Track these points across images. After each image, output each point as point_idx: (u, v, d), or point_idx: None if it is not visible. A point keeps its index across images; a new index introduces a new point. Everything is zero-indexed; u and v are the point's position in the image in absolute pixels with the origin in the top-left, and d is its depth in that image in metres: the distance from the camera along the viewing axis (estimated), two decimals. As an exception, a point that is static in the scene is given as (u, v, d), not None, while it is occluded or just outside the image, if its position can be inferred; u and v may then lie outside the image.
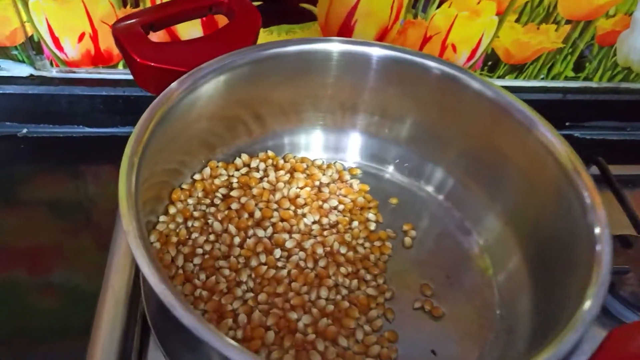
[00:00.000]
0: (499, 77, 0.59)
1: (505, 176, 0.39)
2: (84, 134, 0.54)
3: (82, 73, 0.53)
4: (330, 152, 0.47)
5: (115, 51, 0.51)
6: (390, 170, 0.47)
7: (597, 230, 0.30)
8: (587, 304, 0.26)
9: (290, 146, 0.46)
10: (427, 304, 0.39)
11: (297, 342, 0.35)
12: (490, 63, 0.57)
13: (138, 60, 0.35)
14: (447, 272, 0.41)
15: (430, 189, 0.45)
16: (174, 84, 0.33)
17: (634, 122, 0.64)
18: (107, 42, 0.51)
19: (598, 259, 0.28)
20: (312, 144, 0.46)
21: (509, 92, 0.38)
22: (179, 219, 0.39)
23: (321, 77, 0.41)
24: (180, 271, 0.37)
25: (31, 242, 0.45)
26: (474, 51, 0.56)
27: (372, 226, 0.43)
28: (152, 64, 0.35)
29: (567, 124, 0.63)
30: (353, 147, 0.47)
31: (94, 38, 0.50)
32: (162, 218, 0.38)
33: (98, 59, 0.52)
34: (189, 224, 0.39)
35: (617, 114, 0.63)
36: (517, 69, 0.58)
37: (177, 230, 0.38)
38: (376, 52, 0.40)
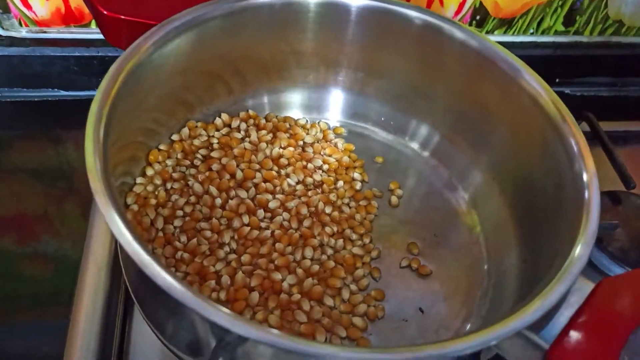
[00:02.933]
0: (487, 32, 0.58)
1: (492, 129, 0.38)
2: (60, 97, 0.53)
3: (54, 33, 0.51)
4: (314, 111, 0.46)
5: (87, 9, 0.48)
6: (375, 129, 0.45)
7: (584, 178, 0.29)
8: (576, 252, 0.26)
9: (272, 105, 0.44)
10: (414, 262, 0.38)
11: (282, 303, 0.34)
12: (478, 17, 0.55)
13: (105, 12, 0.33)
14: (435, 230, 0.40)
15: (415, 145, 0.44)
16: (142, 37, 0.31)
17: (625, 77, 0.63)
18: None
19: (587, 207, 0.28)
20: (294, 102, 0.45)
21: (494, 42, 0.37)
22: (157, 181, 0.37)
23: (299, 31, 0.39)
24: (160, 234, 0.35)
25: (14, 210, 0.44)
26: (461, 4, 0.54)
27: (358, 185, 0.42)
28: (121, 16, 0.33)
29: (557, 80, 0.62)
30: (337, 105, 0.46)
31: None
32: (139, 180, 0.37)
33: (69, 17, 0.50)
34: (168, 185, 0.38)
35: (608, 70, 0.62)
36: (506, 24, 0.57)
37: (156, 193, 0.37)
38: (355, 2, 0.38)
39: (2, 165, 0.47)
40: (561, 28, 0.59)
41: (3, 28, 0.50)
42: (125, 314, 0.37)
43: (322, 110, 0.46)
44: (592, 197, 0.28)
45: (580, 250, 0.26)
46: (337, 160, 0.43)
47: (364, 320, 0.35)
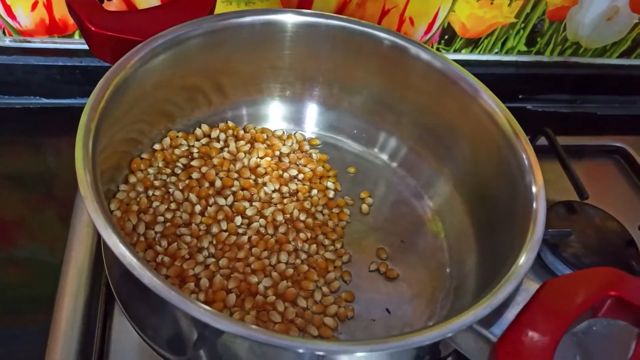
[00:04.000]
0: (455, 51, 0.61)
1: (454, 143, 0.41)
2: (42, 105, 0.53)
3: (37, 43, 0.52)
4: (290, 123, 0.48)
5: (71, 20, 0.50)
6: (348, 140, 0.48)
7: (533, 190, 0.32)
8: (522, 257, 0.29)
9: (250, 117, 0.47)
10: (383, 266, 0.41)
11: (257, 304, 0.36)
12: (446, 37, 0.59)
13: (93, 29, 0.35)
14: (402, 236, 0.43)
15: (385, 157, 0.47)
16: (129, 53, 0.33)
17: (583, 94, 0.66)
18: (62, 10, 0.50)
19: (534, 216, 0.31)
20: (271, 115, 0.47)
21: (456, 63, 0.40)
22: (140, 188, 0.39)
23: (278, 48, 0.42)
24: (142, 238, 0.37)
25: None
26: (430, 25, 0.57)
27: (331, 194, 0.45)
28: (108, 33, 0.35)
29: (520, 96, 0.65)
30: (312, 118, 0.48)
31: (48, 6, 0.49)
32: (122, 187, 0.38)
33: (53, 28, 0.51)
34: (150, 193, 0.40)
35: (567, 87, 0.66)
36: (473, 43, 0.60)
37: (138, 199, 0.39)
38: (328, 23, 0.41)
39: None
40: (524, 48, 0.62)
41: (-13, 37, 0.51)
42: (106, 315, 0.39)
43: (298, 122, 0.48)
44: (539, 207, 0.31)
45: (526, 255, 0.29)
46: (311, 170, 0.45)
47: (335, 320, 0.37)
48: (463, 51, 0.61)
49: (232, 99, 0.45)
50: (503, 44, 0.61)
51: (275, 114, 0.47)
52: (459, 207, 0.41)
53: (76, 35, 0.52)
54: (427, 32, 0.58)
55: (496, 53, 0.62)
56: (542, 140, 0.54)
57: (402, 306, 0.39)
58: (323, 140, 0.48)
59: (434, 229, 0.43)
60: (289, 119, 0.48)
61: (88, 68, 0.52)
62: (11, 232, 0.43)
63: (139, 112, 0.37)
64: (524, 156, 0.34)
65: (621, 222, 0.49)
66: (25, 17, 0.50)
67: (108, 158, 0.35)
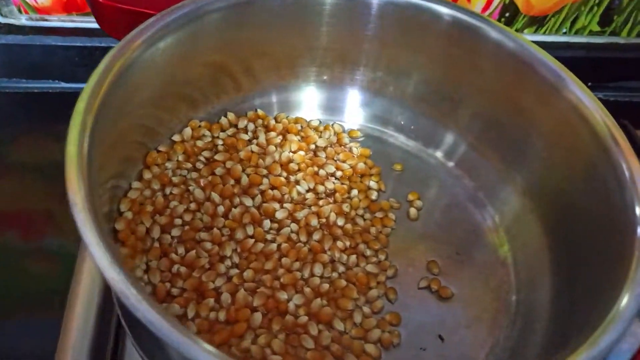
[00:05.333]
0: (517, 31, 0.54)
1: (527, 142, 0.34)
2: (62, 89, 0.50)
3: (55, 21, 0.48)
4: (328, 112, 0.42)
5: None
6: (394, 133, 0.42)
7: (637, 212, 0.25)
8: (625, 300, 0.22)
9: (282, 105, 0.41)
10: (434, 283, 0.35)
11: (287, 325, 0.31)
12: (507, 14, 0.52)
13: (101, 0, 0.30)
14: (457, 247, 0.36)
15: (439, 154, 0.40)
16: (135, 31, 0.28)
17: None
18: None
19: (638, 248, 0.24)
20: (306, 102, 0.41)
21: (534, 44, 0.33)
22: (155, 186, 0.34)
23: (314, 25, 0.36)
24: (157, 244, 0.32)
25: (15, 206, 0.42)
26: (489, 1, 0.50)
27: (374, 195, 0.38)
28: (117, 4, 0.30)
29: (589, 84, 0.57)
30: (353, 107, 0.42)
31: None
32: (135, 184, 0.33)
33: (71, 5, 0.47)
34: (167, 191, 0.35)
35: (646, 74, 0.58)
36: (537, 22, 0.53)
37: (154, 199, 0.34)
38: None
39: (2, 160, 0.44)
40: (597, 28, 0.55)
41: (2, 15, 0.47)
42: (117, 339, 0.34)
43: (336, 111, 0.42)
44: None
45: (630, 294, 0.22)
46: (351, 167, 0.39)
47: (378, 347, 0.32)
48: (526, 31, 0.54)
49: (262, 83, 0.39)
50: (573, 23, 0.54)
51: (310, 102, 0.41)
52: (531, 220, 0.35)
53: None
54: (485, 9, 0.51)
55: (564, 34, 0.54)
56: None
57: (458, 332, 0.33)
58: (365, 133, 0.42)
59: (495, 241, 0.37)
60: (326, 108, 0.42)
61: (109, 49, 0.48)
62: (34, 224, 0.41)
63: (152, 95, 0.32)
64: (624, 166, 0.27)
65: None
66: (41, -7, 0.46)
67: (115, 148, 0.30)
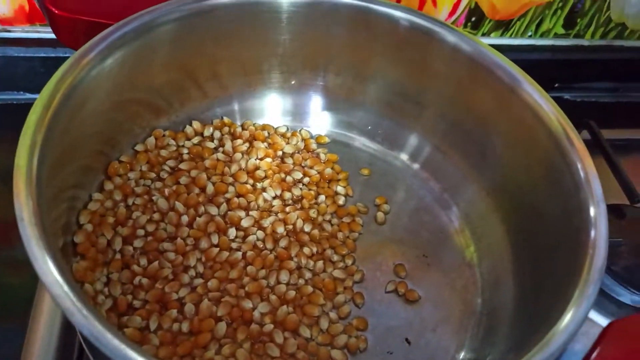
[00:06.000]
0: (483, 35, 0.55)
1: (487, 143, 0.35)
2: (26, 100, 0.49)
3: (18, 32, 0.47)
4: (295, 119, 0.42)
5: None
6: (361, 138, 0.42)
7: (591, 212, 0.26)
8: (578, 300, 0.22)
9: (248, 112, 0.41)
10: (401, 286, 0.35)
11: (252, 334, 0.31)
12: (473, 19, 0.52)
13: (55, 11, 0.29)
14: (424, 250, 0.36)
15: (405, 157, 0.40)
16: (91, 41, 0.28)
17: (628, 82, 0.60)
18: None
19: (592, 245, 0.24)
20: (272, 108, 0.41)
21: (489, 47, 0.33)
22: (117, 197, 0.34)
23: (274, 32, 0.36)
24: (118, 256, 0.32)
25: None
26: (455, 5, 0.50)
27: (341, 200, 0.38)
28: (73, 15, 0.30)
29: (556, 85, 0.59)
30: (319, 113, 0.42)
31: None
32: (95, 195, 0.33)
33: (34, 16, 0.46)
34: (130, 201, 0.34)
35: (609, 74, 0.59)
36: (503, 26, 0.54)
37: (115, 210, 0.33)
38: (332, 1, 0.35)
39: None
40: (561, 31, 0.56)
41: (-37, 26, 0.46)
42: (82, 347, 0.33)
43: (303, 117, 0.42)
44: (599, 237, 0.25)
45: (583, 295, 0.22)
46: (319, 173, 0.39)
47: (344, 353, 0.32)
48: (492, 35, 0.55)
49: (228, 90, 0.39)
50: (538, 26, 0.54)
51: (276, 108, 0.41)
52: (494, 218, 0.35)
53: None
54: (451, 14, 0.51)
55: (530, 37, 0.55)
56: (584, 134, 0.48)
57: (425, 335, 0.33)
58: (332, 138, 0.42)
59: (462, 242, 0.37)
60: (293, 114, 0.42)
61: None
62: (2, 233, 0.40)
63: (110, 106, 0.31)
64: (579, 165, 0.27)
65: (680, 228, 0.42)
66: (3, 4, 0.45)
67: (70, 159, 0.29)
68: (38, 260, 0.20)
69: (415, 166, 0.40)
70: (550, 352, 0.20)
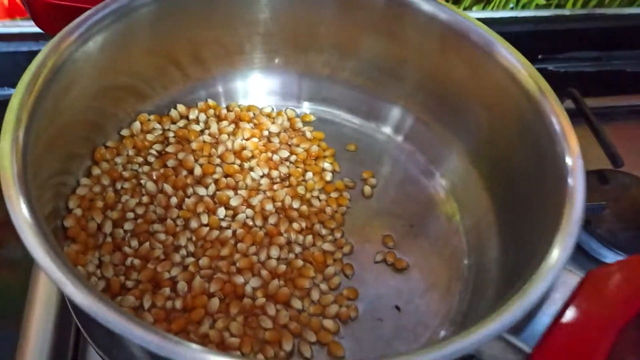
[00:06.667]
0: (465, 9, 0.55)
1: (466, 109, 0.35)
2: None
3: (-1, 27, 0.47)
4: (279, 98, 0.42)
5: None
6: (345, 115, 0.42)
7: (568, 161, 0.26)
8: (556, 246, 0.23)
9: (232, 93, 0.41)
10: (390, 256, 0.35)
11: (244, 308, 0.31)
12: (454, -7, 0.53)
13: (33, -4, 0.30)
14: (411, 220, 0.37)
15: (388, 130, 0.41)
16: (70, 25, 0.28)
17: (610, 50, 0.60)
18: None
19: (570, 195, 0.25)
20: (257, 89, 0.42)
21: (465, 14, 0.33)
22: (105, 181, 0.34)
23: (253, 11, 0.36)
24: (109, 239, 0.32)
25: None
26: (435, -20, 0.51)
27: (328, 176, 0.39)
28: (51, 0, 0.30)
29: (539, 56, 0.59)
30: (303, 91, 0.42)
31: None
32: (83, 180, 0.33)
33: (14, 10, 0.46)
34: (118, 186, 0.34)
35: (592, 43, 0.59)
36: (484, 0, 0.54)
37: (104, 194, 0.34)
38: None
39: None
40: (542, 2, 0.56)
41: (-56, 24, 0.46)
42: (77, 345, 0.34)
43: (288, 97, 0.42)
44: (577, 183, 0.25)
45: (561, 244, 0.23)
46: (305, 150, 0.40)
47: (336, 322, 0.32)
48: (474, 9, 0.55)
49: (211, 72, 0.39)
50: None
51: (261, 89, 0.42)
52: (477, 184, 0.36)
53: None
54: (432, -11, 0.51)
55: (511, 9, 0.56)
56: (568, 104, 0.49)
57: (414, 301, 0.33)
58: (318, 116, 0.42)
59: (447, 210, 0.38)
60: (277, 94, 0.42)
61: None
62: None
63: (93, 91, 0.32)
64: (554, 120, 0.28)
65: (662, 191, 0.43)
66: (-19, -1, 0.45)
67: (55, 146, 0.29)
68: (31, 242, 0.21)
69: (399, 139, 0.41)
70: (529, 302, 0.21)
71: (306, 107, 0.43)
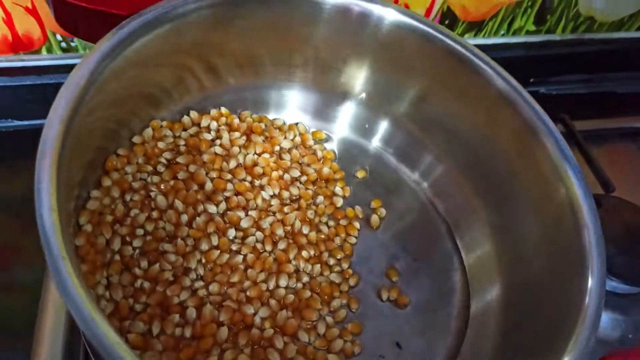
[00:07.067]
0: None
1: (506, 188, 0.36)
2: (16, 127, 0.47)
3: (3, 62, 0.44)
4: (291, 114, 0.41)
5: (36, 35, 0.42)
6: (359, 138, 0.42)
7: (589, 284, 0.28)
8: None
9: (246, 104, 0.40)
10: (393, 291, 0.36)
11: (253, 339, 0.31)
12: (447, 22, 0.52)
13: (60, -3, 0.27)
14: (414, 255, 0.38)
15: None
16: (108, 36, 0.26)
17: (599, 73, 0.61)
18: (25, 25, 0.42)
19: (583, 315, 0.26)
20: (267, 102, 0.40)
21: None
22: (115, 193, 0.32)
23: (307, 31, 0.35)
24: (117, 257, 0.31)
25: None
26: (428, 9, 0.50)
27: (339, 202, 0.39)
28: (78, 2, 0.27)
29: (531, 80, 0.60)
30: (313, 108, 0.41)
31: (9, 22, 0.41)
32: (94, 193, 0.32)
33: (18, 45, 0.43)
34: (127, 197, 0.33)
35: (582, 67, 0.60)
36: (476, 26, 0.53)
37: (113, 207, 0.32)
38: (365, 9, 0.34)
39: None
40: (532, 27, 0.56)
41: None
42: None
43: (301, 112, 0.41)
44: (590, 307, 0.27)
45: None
46: (316, 171, 0.39)
47: (340, 357, 0.33)
48: (466, 36, 0.54)
49: (226, 81, 0.38)
50: (509, 24, 0.55)
51: (272, 102, 0.41)
52: (481, 222, 0.37)
53: (43, 51, 0.44)
54: (425, 17, 0.50)
55: (503, 35, 0.55)
56: (559, 128, 0.49)
57: (415, 339, 0.34)
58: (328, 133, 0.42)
59: (450, 246, 0.38)
60: (290, 109, 0.41)
61: (60, 85, 0.44)
62: (5, 258, 0.39)
63: (116, 100, 0.30)
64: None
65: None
66: (-15, 35, 0.41)
67: (78, 152, 0.28)
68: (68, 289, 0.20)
69: (417, 177, 0.41)
70: None
71: (315, 124, 0.42)
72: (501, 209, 0.36)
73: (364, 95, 0.39)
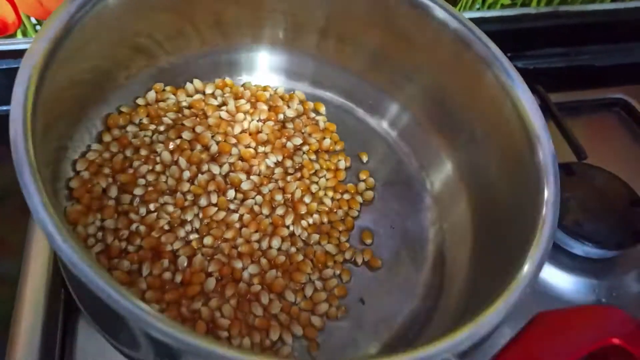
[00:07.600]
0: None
1: (465, 122, 0.38)
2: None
3: (-23, 46, 0.44)
4: (288, 78, 0.43)
5: (10, 19, 0.42)
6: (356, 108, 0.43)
7: (545, 194, 0.30)
8: (520, 278, 0.26)
9: (238, 66, 0.41)
10: (367, 253, 0.37)
11: (239, 292, 0.32)
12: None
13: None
14: (392, 222, 0.39)
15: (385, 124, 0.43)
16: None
17: (576, 46, 0.61)
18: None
19: (542, 224, 0.29)
20: (264, 66, 0.42)
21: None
22: (114, 149, 0.34)
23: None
24: (111, 202, 0.32)
25: None
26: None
27: (342, 175, 0.40)
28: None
29: (508, 55, 0.60)
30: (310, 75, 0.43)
31: None
32: (94, 146, 0.33)
33: (-8, 29, 0.42)
34: (128, 152, 0.34)
35: (559, 40, 0.60)
36: (451, 1, 0.53)
37: (113, 160, 0.33)
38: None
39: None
40: (507, 1, 0.55)
41: None
42: (66, 325, 0.34)
43: (296, 78, 0.43)
44: (548, 215, 0.29)
45: (532, 259, 0.26)
46: (318, 141, 0.40)
47: (323, 320, 0.33)
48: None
49: (228, 39, 0.39)
50: None
51: (268, 66, 0.42)
52: (460, 192, 0.38)
53: (19, 35, 0.45)
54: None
55: (478, 9, 0.55)
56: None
57: (379, 297, 0.35)
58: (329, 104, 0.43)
59: (429, 215, 0.39)
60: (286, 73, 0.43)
61: None
62: None
63: (104, 48, 0.31)
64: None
65: (625, 181, 0.44)
66: (-41, 20, 0.40)
67: (60, 102, 0.29)
68: (38, 208, 0.21)
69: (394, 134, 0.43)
70: (512, 301, 0.24)
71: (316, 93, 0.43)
72: (463, 143, 0.38)
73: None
